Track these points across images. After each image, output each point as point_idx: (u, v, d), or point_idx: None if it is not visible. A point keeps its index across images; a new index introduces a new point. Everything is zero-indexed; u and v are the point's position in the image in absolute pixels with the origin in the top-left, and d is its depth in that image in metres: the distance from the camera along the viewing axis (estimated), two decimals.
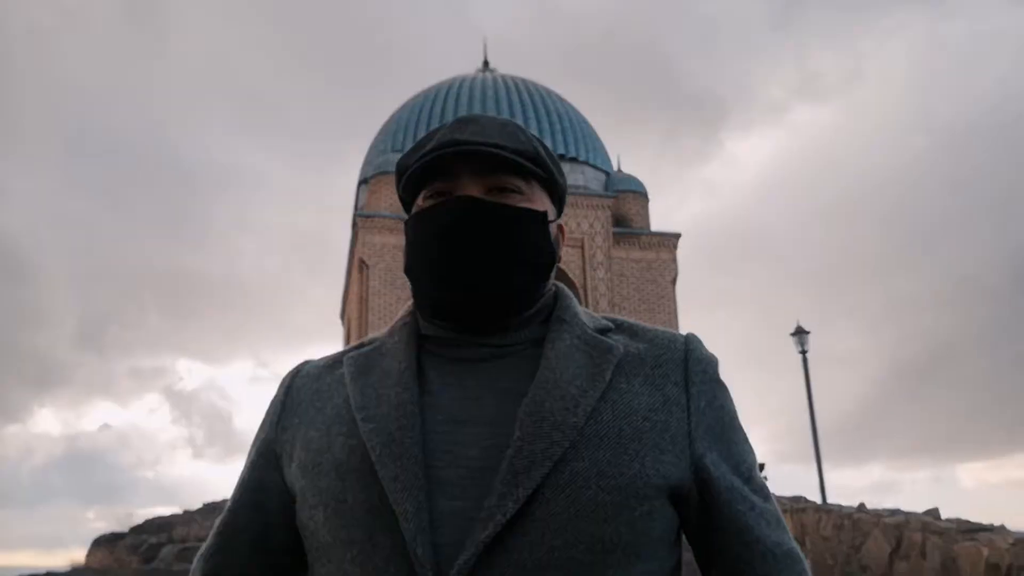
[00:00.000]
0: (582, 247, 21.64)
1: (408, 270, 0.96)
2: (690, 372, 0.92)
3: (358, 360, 0.95)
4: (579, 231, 21.77)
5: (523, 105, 24.87)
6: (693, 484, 0.88)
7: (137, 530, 19.96)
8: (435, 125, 19.83)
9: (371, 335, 1.02)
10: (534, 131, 21.27)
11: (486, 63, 28.96)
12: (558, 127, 24.71)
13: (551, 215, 0.98)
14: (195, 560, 0.99)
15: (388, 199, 21.98)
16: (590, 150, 25.23)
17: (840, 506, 10.39)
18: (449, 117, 23.88)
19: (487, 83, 25.93)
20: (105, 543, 19.44)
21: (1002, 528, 6.93)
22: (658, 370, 0.91)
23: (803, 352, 16.21)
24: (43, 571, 16.28)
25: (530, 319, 0.94)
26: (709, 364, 0.95)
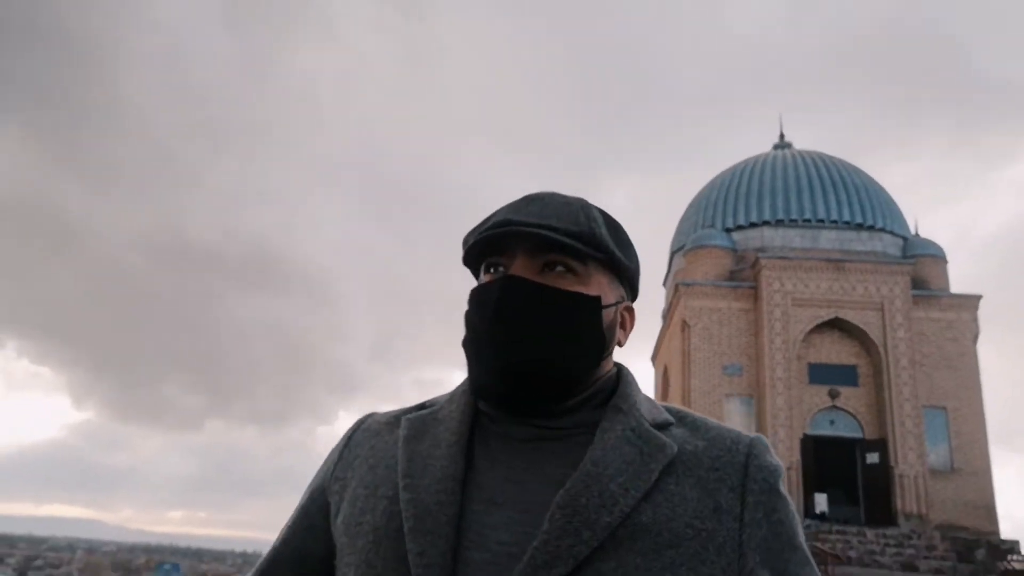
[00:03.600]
0: (882, 310, 24.15)
1: (462, 343, 0.95)
2: (749, 479, 0.86)
3: (414, 423, 0.94)
4: (878, 295, 24.34)
5: (820, 179, 27.88)
6: None
7: None
8: (740, 203, 24.68)
9: (434, 397, 1.02)
10: (832, 203, 25.11)
11: (782, 136, 32.31)
12: (855, 198, 27.39)
13: (610, 299, 0.94)
14: None
15: (703, 268, 26.35)
16: (887, 217, 27.54)
17: None
18: (753, 194, 27.91)
19: (787, 160, 29.33)
20: None
21: None
22: (713, 473, 0.86)
23: None
24: None
25: (584, 403, 0.92)
26: (772, 473, 0.88)
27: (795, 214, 27.17)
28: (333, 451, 1.00)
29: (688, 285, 25.88)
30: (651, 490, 0.83)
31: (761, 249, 26.31)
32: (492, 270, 0.93)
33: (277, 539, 0.98)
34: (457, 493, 0.84)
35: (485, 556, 0.80)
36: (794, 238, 26.71)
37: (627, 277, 0.97)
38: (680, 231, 31.02)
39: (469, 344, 0.92)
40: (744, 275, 25.96)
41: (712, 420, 0.93)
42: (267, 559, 0.97)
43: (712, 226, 28.16)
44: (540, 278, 0.89)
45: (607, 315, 0.93)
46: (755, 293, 25.23)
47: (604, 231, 0.93)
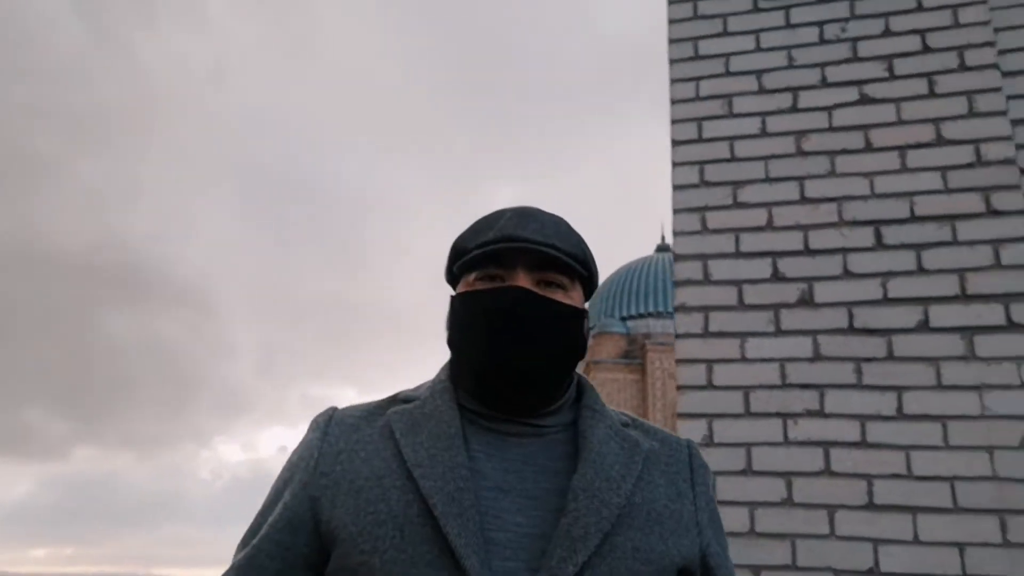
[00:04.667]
0: None
1: (453, 344, 1.00)
2: (695, 473, 1.01)
3: (405, 416, 0.97)
4: None
5: None
6: (699, 569, 0.96)
7: None
8: (632, 297, 34.90)
9: (405, 391, 1.05)
10: None
11: (663, 238, 41.54)
12: None
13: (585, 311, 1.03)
14: None
15: (606, 349, 35.01)
16: None
17: None
18: (642, 291, 37.29)
19: (666, 262, 38.30)
20: None
21: None
22: (671, 467, 0.99)
23: None
24: None
25: (560, 406, 1.00)
26: (707, 470, 1.04)
27: (672, 307, 35.95)
28: (307, 448, 0.99)
29: (596, 363, 34.47)
30: (637, 479, 0.94)
31: (647, 335, 35.22)
32: (487, 279, 0.98)
33: (255, 537, 0.97)
34: (470, 481, 0.89)
35: (508, 536, 0.87)
36: (671, 326, 35.67)
37: (591, 292, 1.06)
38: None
39: (471, 346, 0.97)
40: (636, 354, 34.76)
41: (655, 425, 1.06)
42: (247, 556, 0.96)
43: (612, 316, 36.98)
44: (538, 290, 0.96)
45: (586, 326, 1.01)
46: (643, 369, 34.01)
47: (588, 250, 1.03)
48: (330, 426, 1.00)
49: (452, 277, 1.04)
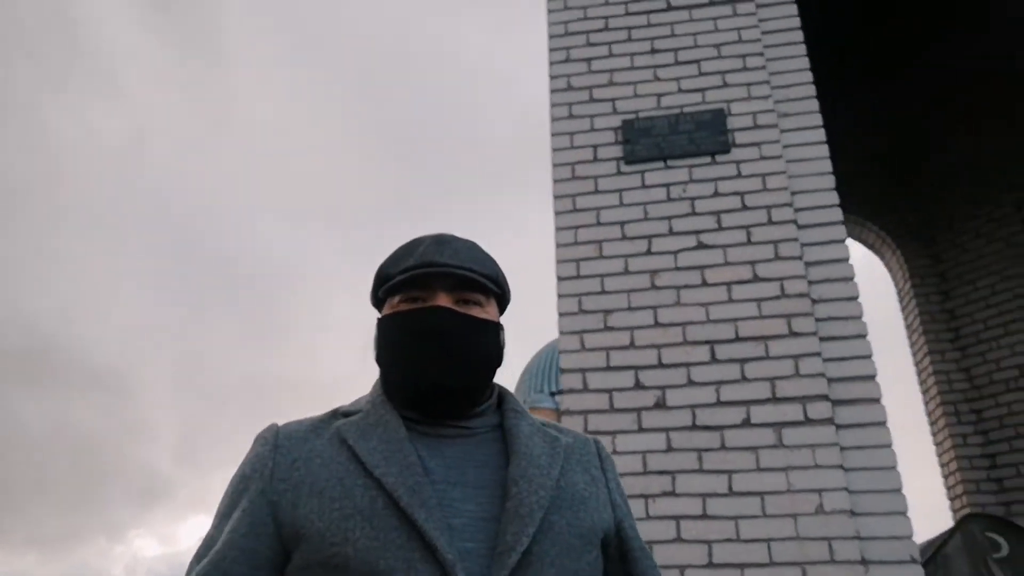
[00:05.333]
0: None
1: (383, 362, 1.09)
2: (603, 461, 1.15)
3: (354, 427, 1.04)
4: None
5: None
6: (615, 541, 1.09)
7: None
8: (559, 378, 35.15)
9: (343, 406, 1.11)
10: None
11: None
12: None
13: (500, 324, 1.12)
14: None
15: None
16: None
17: None
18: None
19: None
20: None
21: None
22: (584, 458, 1.12)
23: None
24: None
25: (484, 410, 1.09)
26: (612, 461, 1.17)
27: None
28: (259, 460, 1.03)
29: None
30: (560, 468, 1.06)
31: None
32: (410, 301, 1.07)
33: (216, 544, 0.99)
34: (425, 476, 0.97)
35: (463, 521, 0.95)
36: None
37: (504, 307, 1.17)
38: (518, 391, 39.97)
39: (399, 363, 1.06)
40: None
41: (565, 426, 1.19)
42: (212, 563, 0.98)
43: (541, 391, 37.41)
44: (457, 308, 1.06)
45: (503, 337, 1.11)
46: None
47: (500, 270, 1.14)
48: (279, 439, 1.05)
49: (377, 301, 1.13)
